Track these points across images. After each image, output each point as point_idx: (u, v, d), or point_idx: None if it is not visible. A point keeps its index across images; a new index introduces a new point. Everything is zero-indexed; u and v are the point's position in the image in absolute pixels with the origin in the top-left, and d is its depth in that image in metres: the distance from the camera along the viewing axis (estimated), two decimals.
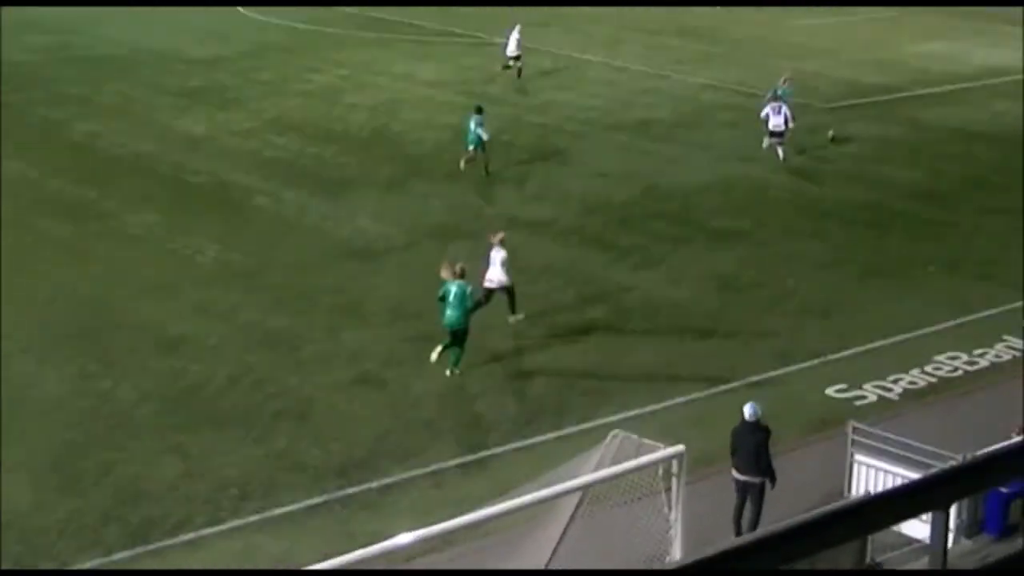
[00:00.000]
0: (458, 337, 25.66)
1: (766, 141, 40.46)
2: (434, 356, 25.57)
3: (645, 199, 36.84)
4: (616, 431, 21.71)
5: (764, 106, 41.01)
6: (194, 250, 32.24)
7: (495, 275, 27.69)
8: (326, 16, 63.85)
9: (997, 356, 27.23)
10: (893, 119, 46.56)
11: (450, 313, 25.55)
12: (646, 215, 35.65)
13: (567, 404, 24.83)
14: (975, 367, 26.74)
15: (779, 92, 41.50)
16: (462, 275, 25.92)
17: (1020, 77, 53.17)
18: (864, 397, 25.28)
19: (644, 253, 32.76)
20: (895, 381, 25.89)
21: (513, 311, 27.88)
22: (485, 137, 38.49)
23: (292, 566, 18.57)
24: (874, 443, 20.62)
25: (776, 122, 40.17)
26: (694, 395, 25.32)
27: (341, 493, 21.65)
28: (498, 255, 27.76)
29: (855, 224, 35.54)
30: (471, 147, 38.67)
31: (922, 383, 25.98)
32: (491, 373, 26.09)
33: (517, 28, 51.85)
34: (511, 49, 51.48)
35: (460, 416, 24.45)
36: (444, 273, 25.99)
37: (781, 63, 54.97)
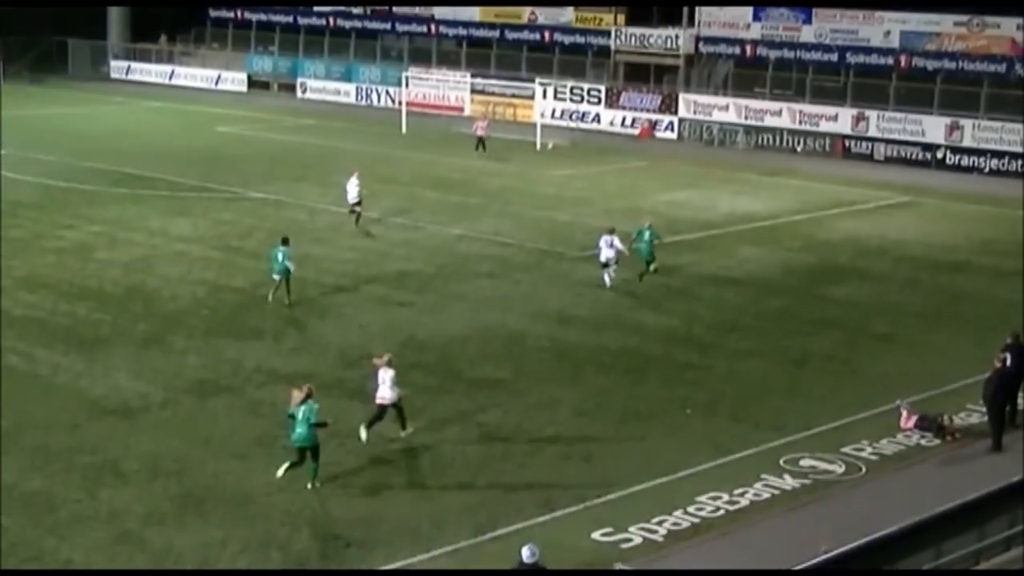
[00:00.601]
0: (313, 453, 27.45)
1: (603, 274, 44.20)
2: (280, 472, 27.41)
3: (404, 350, 36.76)
4: None
5: (599, 242, 44.50)
6: None
7: (386, 393, 29.95)
8: (79, 173, 63.08)
9: (757, 495, 27.71)
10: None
11: (300, 431, 27.29)
12: (405, 366, 35.42)
13: (332, 557, 24.54)
14: (737, 506, 27.13)
15: (644, 232, 44.69)
16: (309, 395, 27.54)
17: (764, 224, 54.96)
18: (630, 540, 25.39)
19: (405, 404, 32.65)
20: (659, 523, 26.11)
21: (404, 426, 30.24)
22: (291, 267, 40.79)
23: None
24: None
25: (608, 254, 43.84)
26: (461, 544, 25.18)
27: None
28: (387, 375, 29.96)
29: (612, 370, 36.00)
30: (276, 276, 40.92)
31: (686, 524, 26.24)
32: (253, 527, 25.63)
33: (355, 175, 52.55)
34: (351, 196, 52.20)
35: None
36: (294, 399, 27.63)
37: (535, 213, 56.14)
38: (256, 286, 43.05)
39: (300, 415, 27.32)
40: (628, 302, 42.64)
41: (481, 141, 72.65)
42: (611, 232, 44.33)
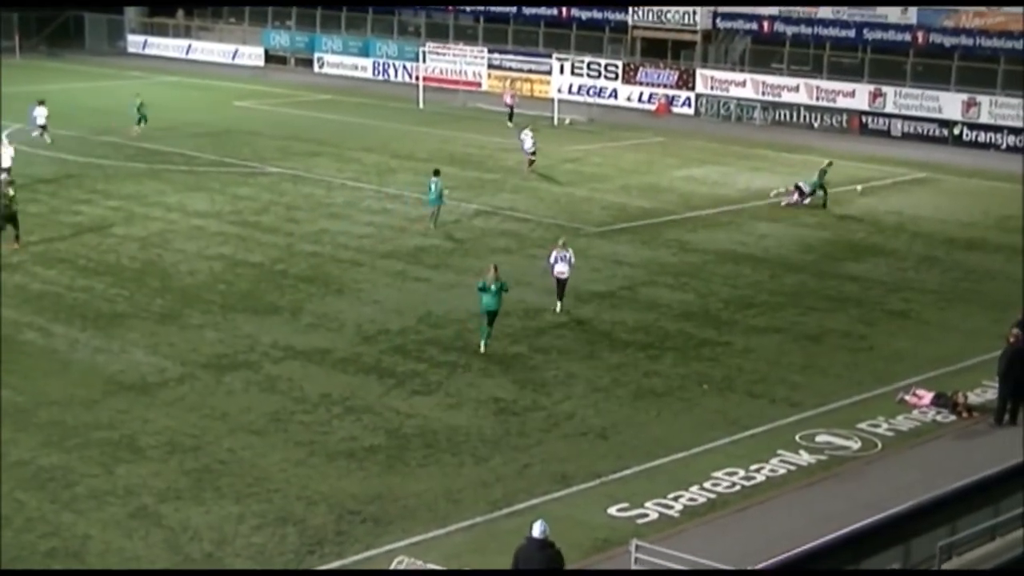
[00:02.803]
0: (494, 318, 34.77)
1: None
2: (483, 348, 34.70)
3: (421, 326, 36.90)
4: (401, 557, 21.60)
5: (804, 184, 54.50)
6: None
7: (563, 268, 38.30)
8: (95, 148, 63.19)
9: (773, 471, 27.78)
10: (662, 242, 47.51)
11: (489, 299, 34.41)
12: (422, 342, 35.70)
13: (349, 532, 24.57)
14: (752, 482, 27.19)
15: (823, 173, 54.61)
16: (496, 269, 34.99)
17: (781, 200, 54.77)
18: (646, 515, 25.48)
19: (421, 380, 32.76)
20: (675, 498, 26.20)
21: (560, 298, 38.58)
22: (446, 194, 48.42)
23: None
24: (658, 561, 20.76)
25: (803, 187, 54.30)
26: (477, 519, 25.27)
27: None
28: (566, 253, 38.35)
29: (628, 346, 36.03)
30: (432, 204, 48.22)
31: (702, 499, 26.32)
32: (270, 503, 25.72)
33: (529, 128, 61.54)
34: (527, 146, 59.84)
35: (239, 550, 23.99)
36: (489, 276, 34.48)
37: (552, 189, 56.13)
38: (274, 261, 43.24)
39: (494, 287, 34.12)
40: (644, 278, 42.67)
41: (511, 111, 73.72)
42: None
